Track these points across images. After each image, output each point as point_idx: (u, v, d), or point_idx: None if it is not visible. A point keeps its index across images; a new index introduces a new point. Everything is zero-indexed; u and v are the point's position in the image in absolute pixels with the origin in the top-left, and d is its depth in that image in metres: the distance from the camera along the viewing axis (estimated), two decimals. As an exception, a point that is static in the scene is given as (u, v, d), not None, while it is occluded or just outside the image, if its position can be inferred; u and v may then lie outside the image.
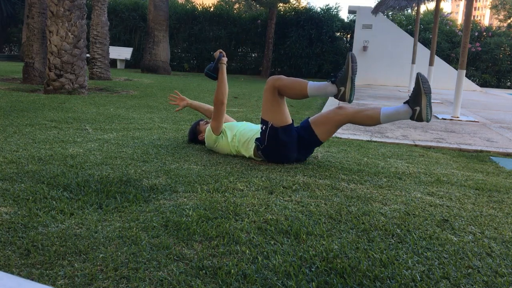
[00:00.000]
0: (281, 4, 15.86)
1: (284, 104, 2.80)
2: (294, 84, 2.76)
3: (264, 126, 2.79)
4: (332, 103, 7.14)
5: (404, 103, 2.61)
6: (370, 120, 2.71)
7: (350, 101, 2.63)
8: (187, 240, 1.61)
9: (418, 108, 2.54)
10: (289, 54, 16.12)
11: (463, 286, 1.39)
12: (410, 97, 2.60)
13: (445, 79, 13.64)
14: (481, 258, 1.59)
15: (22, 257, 1.43)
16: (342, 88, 2.61)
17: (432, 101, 9.49)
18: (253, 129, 2.96)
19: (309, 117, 2.92)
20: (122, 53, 15.68)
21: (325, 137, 2.84)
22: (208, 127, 3.06)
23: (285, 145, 2.77)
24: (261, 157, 2.88)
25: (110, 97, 6.27)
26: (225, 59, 3.05)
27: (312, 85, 2.71)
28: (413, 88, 2.58)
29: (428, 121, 2.57)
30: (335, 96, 2.65)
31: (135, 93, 7.07)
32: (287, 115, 2.79)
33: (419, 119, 2.56)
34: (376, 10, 11.93)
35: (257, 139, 2.83)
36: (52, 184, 2.15)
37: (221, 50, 3.06)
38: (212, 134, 3.00)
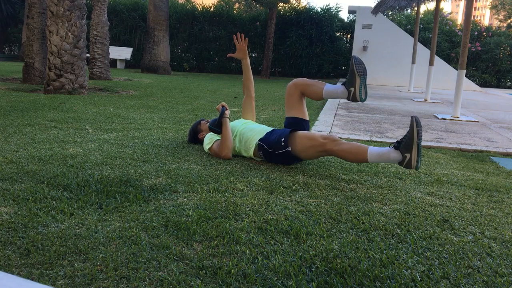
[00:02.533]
0: (281, 4, 15.85)
1: (319, 155, 2.75)
2: (353, 149, 2.63)
3: (284, 144, 2.72)
4: (330, 106, 7.14)
5: (342, 84, 2.69)
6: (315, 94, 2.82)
7: (417, 169, 2.42)
8: (187, 240, 1.61)
9: (352, 89, 2.62)
10: (289, 54, 16.12)
11: (463, 286, 1.39)
12: (346, 79, 2.69)
13: (445, 79, 13.64)
14: (481, 258, 1.59)
15: (22, 257, 1.43)
16: (408, 155, 2.41)
17: (432, 101, 9.37)
18: (254, 129, 2.96)
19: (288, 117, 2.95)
20: (122, 53, 15.67)
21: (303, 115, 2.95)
22: (209, 143, 3.02)
23: (292, 160, 2.80)
24: (261, 157, 2.88)
25: (110, 97, 6.27)
26: (228, 113, 3.04)
27: (374, 152, 2.55)
28: (349, 70, 2.68)
29: (362, 101, 2.65)
30: (400, 163, 2.46)
31: (135, 93, 7.07)
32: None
33: (354, 98, 2.63)
34: (376, 10, 11.93)
35: (262, 140, 2.82)
36: (52, 184, 2.15)
37: (223, 104, 3.05)
38: (208, 149, 3.01)
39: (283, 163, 2.83)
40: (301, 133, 2.74)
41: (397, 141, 2.45)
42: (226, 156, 2.91)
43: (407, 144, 2.39)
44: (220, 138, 3.02)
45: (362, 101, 2.63)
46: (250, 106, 3.38)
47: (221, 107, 3.04)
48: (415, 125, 2.35)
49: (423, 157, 2.53)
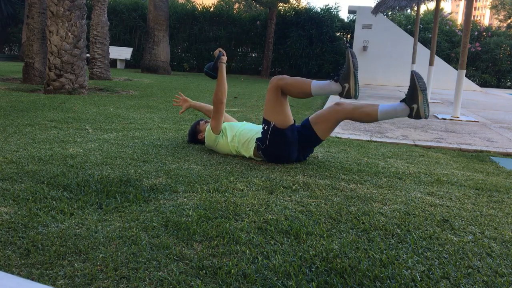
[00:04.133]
0: (281, 4, 15.85)
1: (287, 104, 2.80)
2: (298, 83, 2.77)
3: (266, 126, 2.78)
4: (331, 102, 7.14)
5: (401, 101, 2.60)
6: (368, 117, 2.71)
7: (356, 97, 2.61)
8: (187, 240, 1.61)
9: (415, 106, 2.53)
10: (289, 54, 16.12)
11: (463, 286, 1.39)
12: (406, 95, 2.58)
13: (445, 79, 13.64)
14: (481, 258, 1.59)
15: (22, 257, 1.43)
16: (346, 85, 2.59)
17: (432, 100, 9.37)
18: (253, 129, 2.96)
19: (309, 117, 2.92)
20: (122, 53, 15.67)
21: (324, 135, 2.84)
22: (208, 126, 3.07)
23: (287, 145, 2.77)
24: (261, 157, 2.88)
25: (110, 97, 6.27)
26: (224, 58, 3.05)
27: (316, 84, 2.70)
28: (409, 86, 2.56)
29: (426, 117, 2.56)
30: (340, 94, 2.63)
31: (135, 93, 7.07)
32: (289, 115, 2.79)
33: (417, 116, 2.54)
34: (376, 10, 11.92)
35: (258, 139, 2.83)
36: (52, 184, 2.15)
37: (220, 49, 3.07)
38: (212, 134, 3.00)
39: (281, 156, 2.82)
40: (264, 108, 2.88)
41: (336, 74, 2.63)
42: (220, 99, 2.95)
43: (345, 75, 2.60)
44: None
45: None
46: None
47: (218, 52, 3.04)
48: (351, 56, 2.56)
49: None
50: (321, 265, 1.46)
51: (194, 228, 1.70)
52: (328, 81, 2.67)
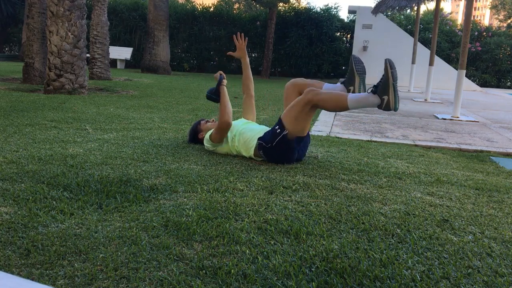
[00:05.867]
0: (281, 4, 15.85)
1: (311, 117, 2.75)
2: (333, 97, 2.68)
3: (279, 130, 2.73)
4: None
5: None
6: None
7: (396, 109, 2.55)
8: (187, 240, 1.61)
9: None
10: (289, 54, 16.11)
11: (463, 286, 1.39)
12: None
13: (445, 79, 13.63)
14: (481, 258, 1.59)
15: (22, 257, 1.43)
16: (386, 97, 2.50)
17: (432, 101, 9.35)
18: (254, 129, 2.96)
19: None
20: (122, 53, 15.66)
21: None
22: (209, 133, 3.05)
23: (290, 152, 2.78)
24: (261, 157, 2.87)
25: (110, 97, 6.27)
26: (225, 81, 3.06)
27: (353, 97, 2.62)
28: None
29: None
30: (379, 107, 2.56)
31: (135, 93, 7.07)
32: (306, 129, 2.76)
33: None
34: (376, 10, 11.93)
35: (260, 138, 2.82)
36: (52, 184, 2.15)
37: (221, 72, 3.08)
38: (210, 141, 3.01)
39: (283, 159, 2.82)
40: (286, 110, 2.77)
41: (374, 86, 2.55)
42: (227, 121, 2.92)
43: (383, 87, 2.52)
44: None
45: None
46: (250, 105, 3.38)
47: (219, 75, 3.05)
48: (389, 67, 2.48)
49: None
50: (321, 265, 1.46)
51: (194, 228, 1.70)
52: (365, 94, 2.59)
